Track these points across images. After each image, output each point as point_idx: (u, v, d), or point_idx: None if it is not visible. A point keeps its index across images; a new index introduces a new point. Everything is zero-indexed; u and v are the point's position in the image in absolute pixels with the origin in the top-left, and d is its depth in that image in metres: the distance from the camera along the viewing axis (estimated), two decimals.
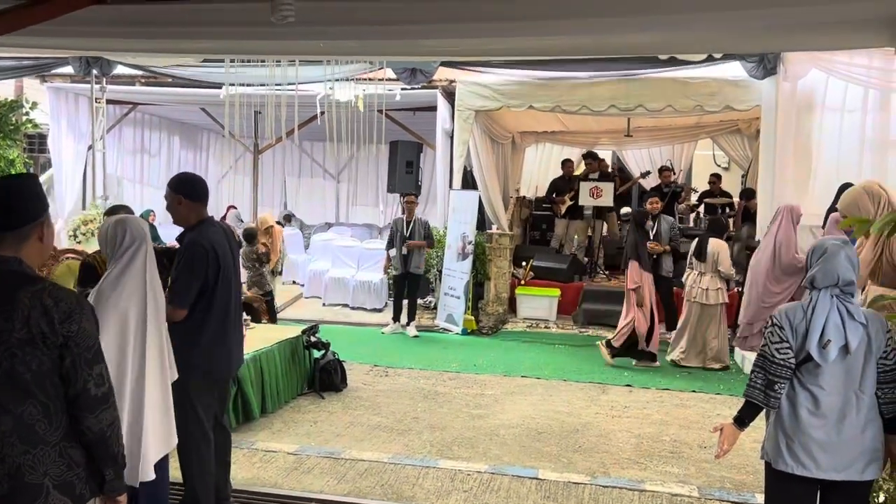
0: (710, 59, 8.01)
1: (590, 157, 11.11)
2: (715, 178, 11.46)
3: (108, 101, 10.79)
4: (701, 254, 7.36)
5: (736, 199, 11.14)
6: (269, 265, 8.45)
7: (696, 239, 7.66)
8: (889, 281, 3.53)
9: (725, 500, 4.30)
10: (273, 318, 8.31)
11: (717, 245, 7.32)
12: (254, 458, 4.77)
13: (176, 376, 3.18)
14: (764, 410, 2.93)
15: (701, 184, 12.43)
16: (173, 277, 3.48)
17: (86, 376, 2.05)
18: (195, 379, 3.47)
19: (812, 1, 2.79)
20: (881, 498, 3.24)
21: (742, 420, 2.95)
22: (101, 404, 2.09)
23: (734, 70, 8.32)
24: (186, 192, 3.57)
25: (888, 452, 2.87)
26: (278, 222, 10.53)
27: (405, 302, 8.97)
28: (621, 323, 7.49)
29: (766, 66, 7.79)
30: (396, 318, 8.95)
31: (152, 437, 2.92)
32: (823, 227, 6.64)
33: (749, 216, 9.81)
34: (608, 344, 7.49)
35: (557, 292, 9.73)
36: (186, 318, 3.46)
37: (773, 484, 2.96)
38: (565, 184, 11.00)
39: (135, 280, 2.89)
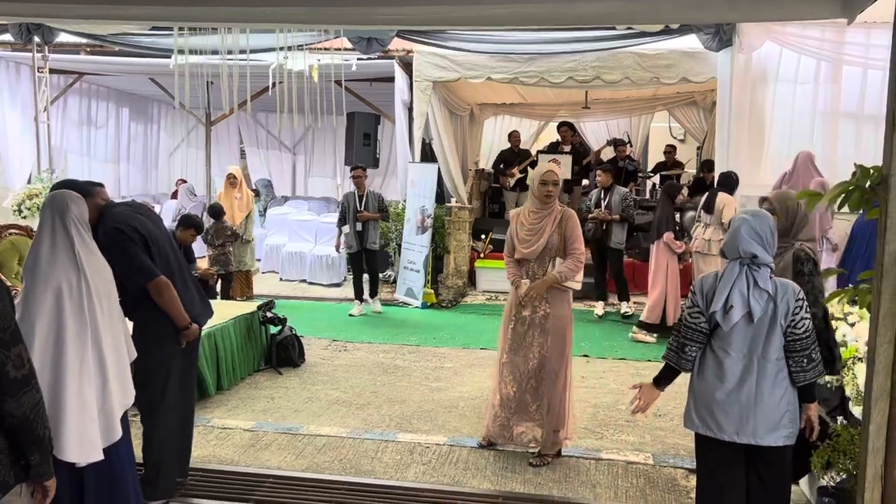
0: (667, 31, 8.02)
1: (566, 125, 11.09)
2: (670, 149, 11.57)
3: (52, 71, 10.34)
4: (710, 207, 7.34)
5: (692, 171, 11.28)
6: (238, 220, 8.24)
7: (707, 192, 7.62)
8: None
9: (679, 466, 4.38)
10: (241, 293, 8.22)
11: (724, 199, 7.28)
12: (209, 436, 4.70)
13: (135, 354, 3.10)
14: (690, 381, 3.08)
15: (657, 155, 12.56)
16: (118, 270, 3.38)
17: (3, 358, 1.97)
18: (168, 346, 3.47)
19: None
20: (818, 465, 3.35)
21: (659, 380, 3.19)
22: (23, 387, 2.01)
23: (690, 42, 8.34)
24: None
25: (805, 419, 2.99)
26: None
27: (366, 279, 8.73)
28: (653, 297, 7.56)
29: (722, 38, 7.82)
30: (359, 298, 8.63)
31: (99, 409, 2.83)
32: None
33: (704, 187, 9.93)
34: (642, 325, 7.55)
35: None
36: (139, 303, 3.40)
37: (697, 448, 3.13)
38: (514, 156, 10.98)
39: (63, 253, 2.78)
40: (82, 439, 2.68)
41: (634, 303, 8.68)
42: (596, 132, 12.94)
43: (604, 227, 8.30)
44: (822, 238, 6.86)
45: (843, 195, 2.75)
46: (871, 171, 2.63)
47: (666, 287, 7.55)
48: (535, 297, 4.33)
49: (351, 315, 8.43)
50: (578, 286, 4.44)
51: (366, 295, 8.69)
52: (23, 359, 2.02)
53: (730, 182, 7.42)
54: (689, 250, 7.54)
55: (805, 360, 2.89)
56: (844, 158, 7.10)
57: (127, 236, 3.42)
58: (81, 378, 2.74)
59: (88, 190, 3.40)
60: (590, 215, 8.34)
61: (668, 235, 7.54)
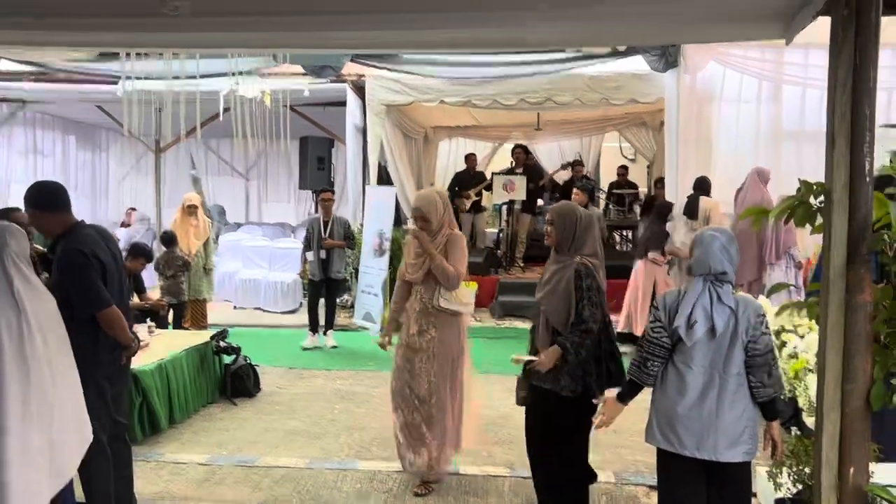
0: (614, 54, 8.21)
1: (520, 147, 11.19)
2: (623, 170, 11.78)
3: None
4: (693, 213, 7.34)
5: (643, 189, 11.49)
6: (194, 248, 8.01)
7: (687, 199, 7.59)
8: None
9: (640, 483, 4.40)
10: (195, 324, 7.98)
11: (708, 202, 7.33)
12: (162, 472, 4.55)
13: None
14: (651, 396, 3.10)
15: (609, 175, 12.77)
16: (68, 292, 3.27)
17: None
18: (88, 390, 3.28)
19: None
20: (784, 476, 3.39)
21: (623, 396, 3.18)
22: None
23: (638, 64, 8.53)
24: (43, 204, 3.38)
25: (768, 438, 3.02)
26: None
27: (322, 310, 8.25)
28: (625, 312, 7.73)
29: (668, 59, 8.03)
30: (314, 329, 8.13)
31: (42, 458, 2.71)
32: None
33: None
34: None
35: (475, 286, 9.73)
36: (80, 328, 3.27)
37: (658, 463, 3.13)
38: (470, 178, 11.05)
39: (1, 295, 2.67)
40: (27, 489, 2.55)
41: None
42: (549, 154, 13.10)
43: None
44: (785, 254, 7.00)
45: (788, 211, 2.82)
46: (815, 187, 2.71)
47: (638, 303, 7.62)
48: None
49: (304, 348, 8.00)
50: (468, 309, 4.36)
51: (321, 324, 8.24)
52: None
53: (705, 186, 7.49)
54: (673, 252, 7.47)
55: (765, 376, 2.92)
56: (788, 175, 7.29)
57: (88, 261, 3.33)
58: (25, 421, 2.63)
59: (61, 203, 3.38)
60: None
61: (653, 254, 7.53)
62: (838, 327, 2.61)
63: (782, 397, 4.19)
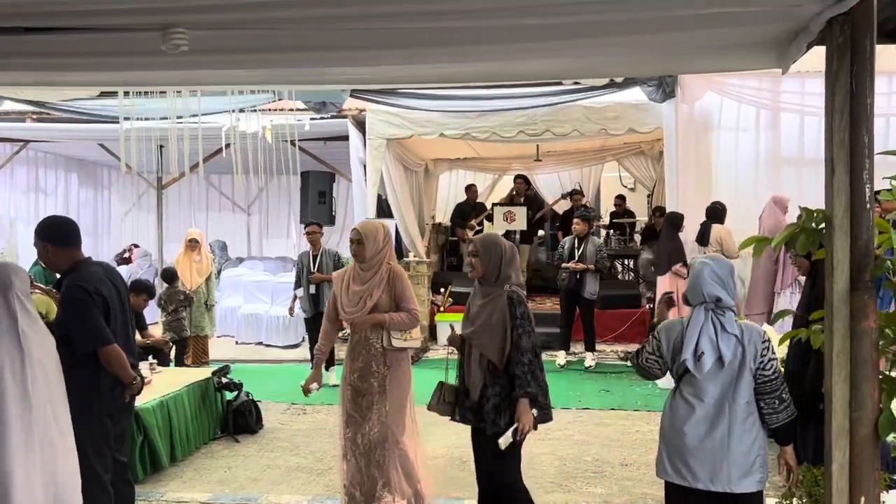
0: (612, 85, 8.27)
1: (521, 178, 11.24)
2: (620, 200, 11.83)
3: None
4: (704, 239, 7.37)
5: (644, 218, 11.52)
6: (195, 284, 7.97)
7: (700, 226, 7.63)
8: None
9: None
10: (197, 361, 7.93)
11: (720, 230, 7.36)
12: None
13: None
14: (660, 427, 3.10)
15: (609, 204, 12.81)
16: (69, 328, 3.27)
17: None
18: (91, 427, 3.25)
19: (703, 25, 2.89)
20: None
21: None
22: None
23: (635, 94, 8.60)
24: (53, 238, 3.40)
25: (783, 464, 2.99)
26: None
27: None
28: None
29: (665, 89, 8.08)
30: None
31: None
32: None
33: (655, 234, 10.13)
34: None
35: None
36: (82, 365, 3.26)
37: (667, 498, 3.08)
38: (471, 209, 11.09)
39: (6, 335, 2.67)
40: None
41: (598, 351, 8.70)
42: (549, 184, 13.15)
43: (577, 276, 8.32)
44: (794, 282, 6.98)
45: (790, 238, 2.82)
46: (816, 214, 2.71)
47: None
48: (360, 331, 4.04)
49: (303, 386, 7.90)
50: (417, 344, 4.26)
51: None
52: None
53: (718, 213, 7.51)
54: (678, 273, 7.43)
55: (776, 402, 2.90)
56: (789, 202, 7.33)
57: (90, 297, 3.33)
58: (28, 459, 2.61)
59: (70, 239, 3.39)
60: (563, 264, 8.37)
61: (677, 268, 7.47)
62: (844, 354, 2.59)
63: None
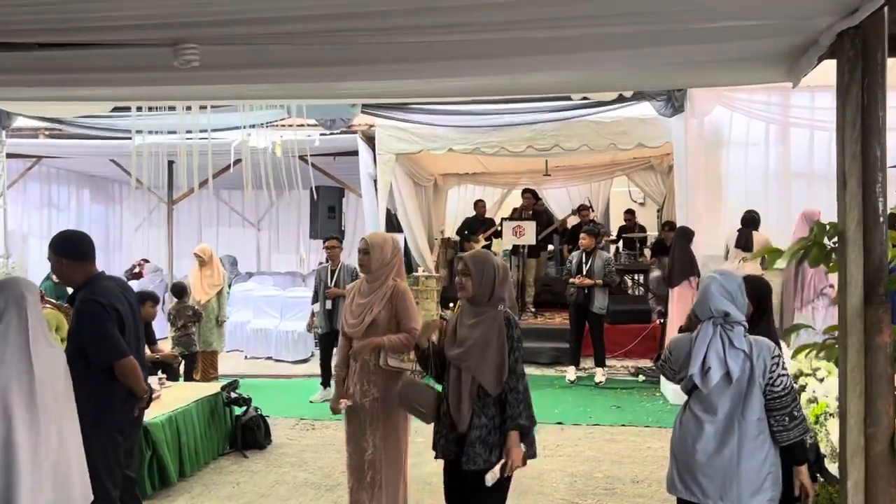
0: (621, 100, 8.28)
1: (528, 192, 11.25)
2: (629, 215, 11.80)
3: (9, 156, 10.25)
4: (748, 246, 7.35)
5: (654, 233, 11.49)
6: (204, 299, 7.95)
7: (739, 231, 7.63)
8: None
9: None
10: (205, 377, 7.91)
11: (761, 237, 7.37)
12: None
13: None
14: (670, 443, 3.07)
15: (618, 220, 12.79)
16: (85, 342, 3.28)
17: None
18: (102, 441, 3.25)
19: (713, 39, 2.89)
20: None
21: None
22: None
23: (644, 109, 8.60)
24: (68, 252, 3.41)
25: (798, 484, 2.94)
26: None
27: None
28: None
29: (674, 104, 8.08)
30: (325, 384, 7.76)
31: None
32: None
33: (665, 249, 10.08)
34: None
35: None
36: (95, 379, 3.27)
37: None
38: (479, 224, 11.09)
39: (12, 350, 2.67)
40: None
41: (609, 367, 8.65)
42: (558, 199, 13.16)
43: (585, 291, 8.29)
44: (818, 295, 6.95)
45: (802, 251, 2.80)
46: (828, 227, 2.69)
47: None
48: (358, 359, 3.88)
49: (311, 402, 7.69)
50: (412, 365, 4.08)
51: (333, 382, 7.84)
52: None
53: (755, 221, 7.53)
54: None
55: (787, 419, 2.86)
56: (819, 216, 7.30)
57: (105, 311, 3.34)
58: (35, 475, 2.61)
59: (84, 253, 3.42)
60: (570, 279, 8.35)
61: (695, 279, 7.43)
62: (858, 369, 2.56)
63: (809, 438, 4.08)
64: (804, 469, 2.95)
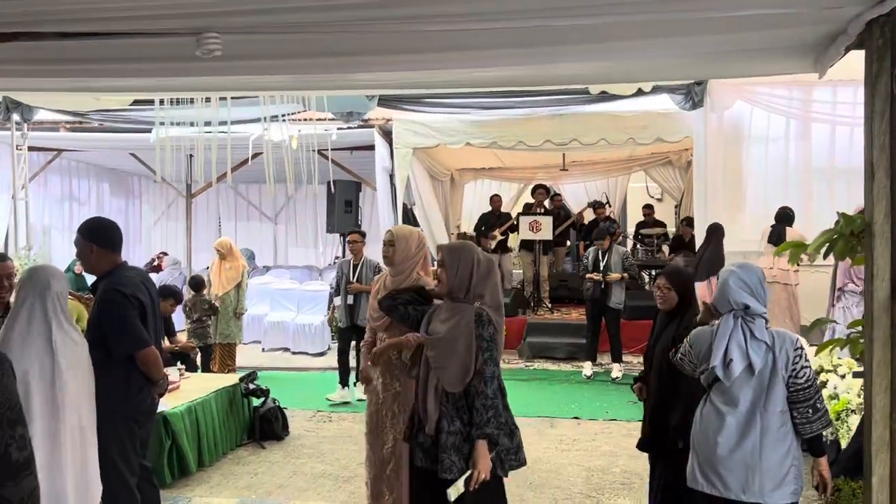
0: (640, 94, 8.22)
1: (541, 187, 11.20)
2: (648, 209, 11.71)
3: (31, 149, 10.36)
4: (780, 240, 7.23)
5: (672, 229, 11.40)
6: (221, 291, 7.99)
7: (772, 227, 7.61)
8: None
9: None
10: (222, 368, 7.95)
11: (795, 233, 7.32)
12: None
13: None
14: (691, 436, 3.03)
15: (635, 215, 12.71)
16: (108, 332, 3.29)
17: (8, 438, 1.80)
18: (118, 430, 3.27)
19: (738, 28, 2.85)
20: None
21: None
22: (23, 470, 1.85)
23: (664, 103, 8.53)
24: (99, 239, 3.41)
25: (817, 476, 2.91)
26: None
27: (353, 356, 7.51)
28: None
29: (694, 98, 8.01)
30: (344, 382, 7.49)
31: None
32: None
33: (683, 244, 10.00)
34: None
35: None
36: (114, 367, 3.28)
37: None
38: (495, 219, 11.06)
39: (34, 338, 2.69)
40: None
41: (625, 362, 8.60)
42: (575, 194, 13.10)
43: (602, 286, 8.26)
44: (842, 292, 6.89)
45: (827, 244, 2.76)
46: (855, 219, 2.65)
47: None
48: (378, 364, 3.73)
49: (329, 400, 7.39)
50: None
51: (352, 378, 7.50)
52: (26, 440, 1.85)
53: (789, 217, 7.49)
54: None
55: (810, 411, 2.83)
56: (820, 212, 7.23)
57: (128, 302, 3.34)
58: (53, 466, 2.63)
59: (112, 241, 3.42)
60: (587, 275, 8.32)
61: (715, 280, 7.39)
62: (884, 364, 2.53)
63: (830, 434, 4.04)
64: (824, 461, 2.93)
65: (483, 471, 2.84)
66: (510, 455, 3.02)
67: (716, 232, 7.78)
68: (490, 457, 2.87)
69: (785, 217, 7.52)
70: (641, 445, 3.82)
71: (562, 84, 5.68)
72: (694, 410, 3.04)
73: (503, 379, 3.09)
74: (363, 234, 7.88)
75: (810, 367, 2.89)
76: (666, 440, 3.49)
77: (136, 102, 8.88)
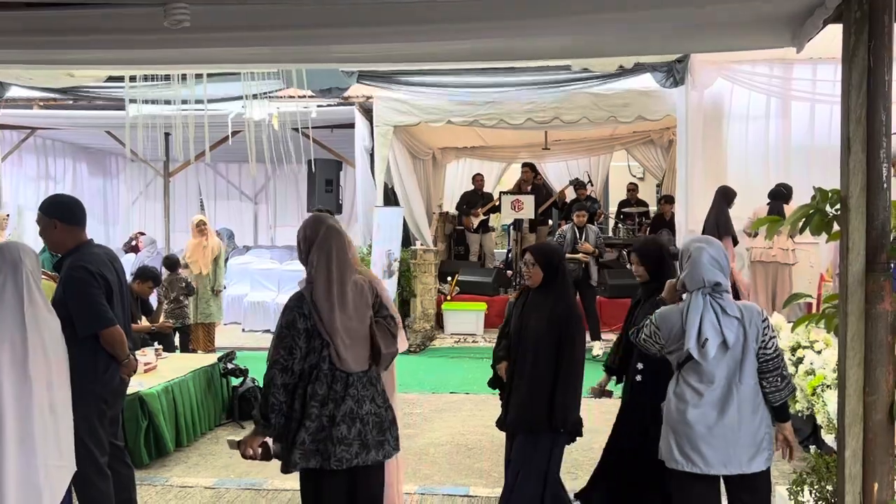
0: (621, 72, 8.19)
1: (527, 165, 11.17)
2: (633, 186, 11.73)
3: (3, 126, 10.16)
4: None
5: (654, 208, 11.42)
6: (206, 270, 7.90)
7: (769, 206, 7.52)
8: None
9: None
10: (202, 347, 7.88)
11: (792, 209, 7.31)
12: (168, 496, 4.48)
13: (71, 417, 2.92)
14: (664, 416, 3.01)
15: (618, 194, 12.72)
16: (71, 309, 3.23)
17: None
18: (87, 410, 3.23)
19: (716, 1, 2.81)
20: (806, 494, 3.29)
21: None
22: None
23: (645, 82, 8.51)
24: (63, 215, 3.34)
25: (782, 440, 2.96)
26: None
27: None
28: None
29: (675, 76, 7.99)
30: None
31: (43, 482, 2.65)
32: None
33: (664, 223, 10.03)
34: None
35: (484, 306, 9.68)
36: (80, 347, 3.22)
37: (675, 487, 3.00)
38: (477, 198, 11.02)
39: (5, 314, 2.64)
40: None
41: (606, 340, 8.61)
42: (557, 173, 13.07)
43: (583, 266, 8.29)
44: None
45: (803, 219, 2.75)
46: (830, 194, 2.64)
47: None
48: None
49: None
50: (403, 347, 4.04)
51: None
52: None
53: (784, 194, 7.44)
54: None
55: (779, 380, 2.88)
56: (798, 189, 7.24)
57: (94, 279, 3.30)
58: (22, 441, 2.58)
59: (75, 217, 3.36)
60: (576, 254, 8.26)
61: (727, 240, 7.31)
62: (859, 338, 2.53)
63: (799, 415, 4.08)
64: (788, 426, 2.99)
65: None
66: None
67: (723, 196, 7.65)
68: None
69: (779, 194, 7.47)
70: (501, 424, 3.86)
71: (539, 58, 5.61)
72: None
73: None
74: (333, 213, 7.87)
75: (776, 337, 2.93)
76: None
77: (111, 79, 8.72)
